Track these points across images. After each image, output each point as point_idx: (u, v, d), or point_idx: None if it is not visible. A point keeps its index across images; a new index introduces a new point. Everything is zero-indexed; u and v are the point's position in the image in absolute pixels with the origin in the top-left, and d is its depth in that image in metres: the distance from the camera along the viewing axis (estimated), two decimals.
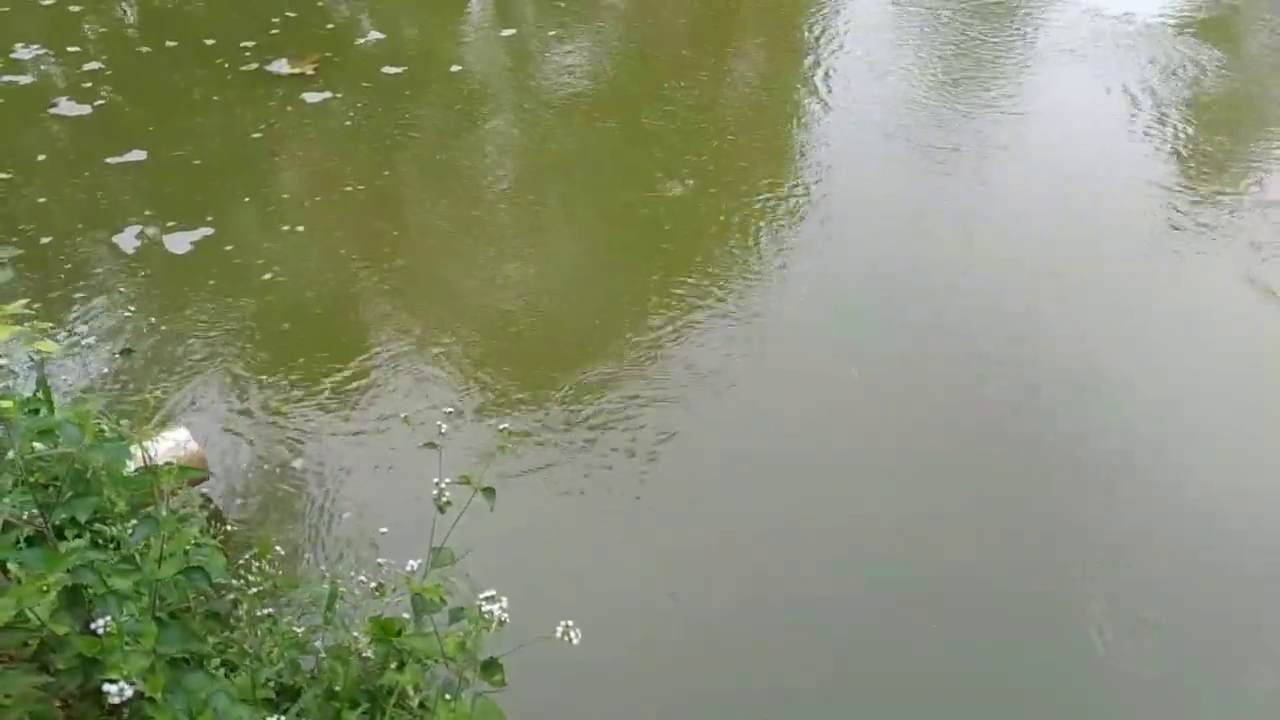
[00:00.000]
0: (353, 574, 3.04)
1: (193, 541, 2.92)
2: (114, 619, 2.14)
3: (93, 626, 2.14)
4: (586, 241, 6.66)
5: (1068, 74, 8.56)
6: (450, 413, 2.85)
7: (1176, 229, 6.52)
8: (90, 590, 2.17)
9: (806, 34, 9.22)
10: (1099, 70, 8.52)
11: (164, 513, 2.42)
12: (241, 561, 3.33)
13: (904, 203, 6.88)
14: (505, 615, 2.37)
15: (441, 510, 2.75)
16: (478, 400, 5.18)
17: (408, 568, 2.51)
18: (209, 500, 4.50)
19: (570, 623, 2.33)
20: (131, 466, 3.48)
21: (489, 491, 2.86)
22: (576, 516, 4.61)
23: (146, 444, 4.30)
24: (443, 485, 2.68)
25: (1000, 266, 6.21)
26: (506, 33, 9.22)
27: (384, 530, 2.99)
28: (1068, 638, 4.17)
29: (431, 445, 2.79)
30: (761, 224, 6.58)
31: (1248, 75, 8.59)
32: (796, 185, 6.97)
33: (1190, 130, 7.63)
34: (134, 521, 2.61)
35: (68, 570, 2.10)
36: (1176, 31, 9.05)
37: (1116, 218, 6.68)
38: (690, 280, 6.07)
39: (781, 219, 6.65)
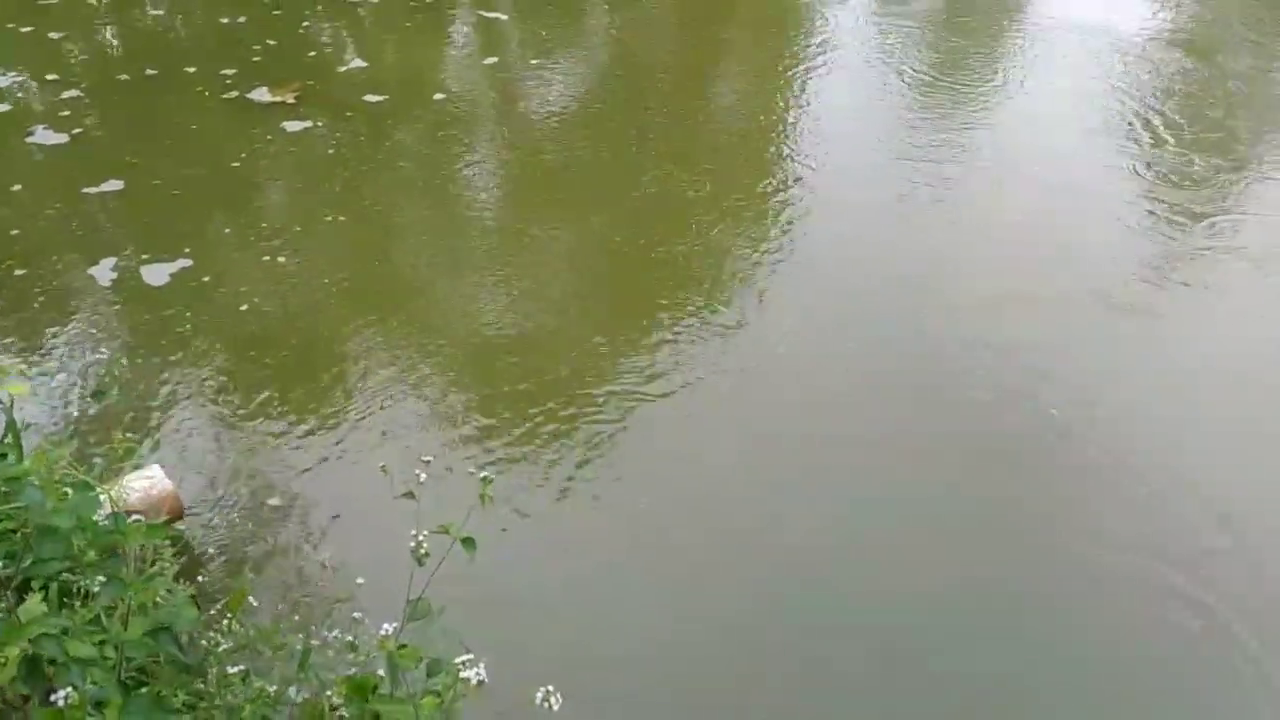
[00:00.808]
0: (328, 626, 2.96)
1: (162, 593, 2.85)
2: (76, 689, 2.07)
3: (54, 698, 2.06)
4: (573, 269, 6.59)
5: (1049, 84, 8.77)
6: (428, 461, 2.76)
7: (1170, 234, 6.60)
8: (51, 660, 2.10)
9: (791, 56, 9.24)
10: (1079, 80, 8.70)
11: (132, 571, 2.34)
12: (213, 611, 3.26)
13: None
14: (484, 678, 2.30)
15: (420, 563, 2.69)
16: (463, 438, 5.12)
17: (383, 629, 2.43)
18: (181, 538, 4.41)
19: (551, 688, 2.26)
20: (103, 511, 3.41)
21: (469, 542, 2.80)
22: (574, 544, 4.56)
23: (118, 483, 4.25)
24: (421, 537, 2.62)
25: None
26: (489, 61, 9.19)
27: (360, 581, 2.91)
28: None
29: (409, 495, 2.73)
30: (748, 247, 6.56)
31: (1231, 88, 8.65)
32: (786, 205, 6.95)
33: (1174, 142, 7.71)
34: (101, 578, 2.53)
35: (29, 639, 2.02)
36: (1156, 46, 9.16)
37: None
38: (682, 304, 6.04)
39: (770, 238, 6.65)
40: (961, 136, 7.87)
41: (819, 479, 5.00)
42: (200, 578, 3.78)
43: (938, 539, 4.68)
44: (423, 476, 2.71)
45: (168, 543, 3.49)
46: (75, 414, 5.13)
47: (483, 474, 2.78)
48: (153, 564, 3.44)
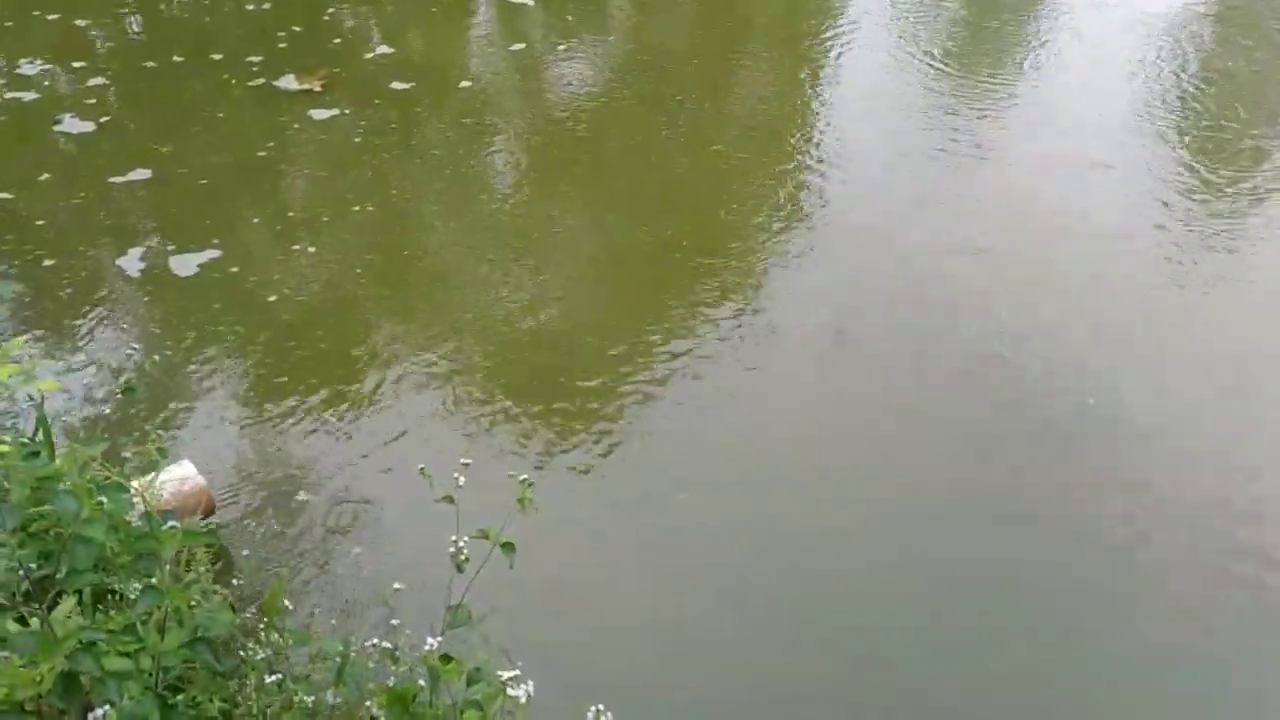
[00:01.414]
0: (365, 633, 2.89)
1: (197, 598, 2.79)
2: (113, 705, 2.00)
3: (91, 717, 1.99)
4: (602, 257, 6.50)
5: (1075, 61, 8.69)
6: (467, 464, 2.68)
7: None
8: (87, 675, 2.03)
9: (817, 39, 9.09)
10: (1105, 54, 8.66)
11: (165, 576, 2.27)
12: (249, 614, 3.20)
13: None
14: (531, 694, 2.22)
15: (460, 569, 2.62)
16: (499, 428, 5.05)
17: (427, 643, 2.35)
18: (214, 533, 4.36)
19: (601, 706, 2.18)
20: (136, 512, 3.35)
21: (508, 547, 2.72)
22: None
23: (150, 482, 4.20)
24: (461, 542, 2.54)
25: None
26: (515, 47, 9.08)
27: (398, 586, 2.83)
28: None
29: (449, 499, 2.64)
30: (771, 234, 6.46)
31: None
32: (806, 193, 6.83)
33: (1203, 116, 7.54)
34: (136, 585, 2.47)
35: (64, 655, 1.95)
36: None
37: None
38: (712, 295, 5.94)
39: (793, 226, 6.54)
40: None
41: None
42: (234, 579, 3.73)
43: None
44: (461, 480, 2.62)
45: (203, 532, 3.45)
46: (106, 410, 5.09)
47: (522, 477, 2.69)
48: (187, 566, 3.39)
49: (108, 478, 2.97)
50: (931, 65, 8.59)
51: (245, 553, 4.36)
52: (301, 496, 4.74)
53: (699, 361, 5.49)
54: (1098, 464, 4.93)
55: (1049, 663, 4.06)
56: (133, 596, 2.28)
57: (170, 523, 2.42)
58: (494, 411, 5.19)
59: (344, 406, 5.22)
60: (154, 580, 2.26)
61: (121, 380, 4.78)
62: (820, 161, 7.29)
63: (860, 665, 4.07)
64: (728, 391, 5.35)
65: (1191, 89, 8.16)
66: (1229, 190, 6.87)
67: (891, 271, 6.16)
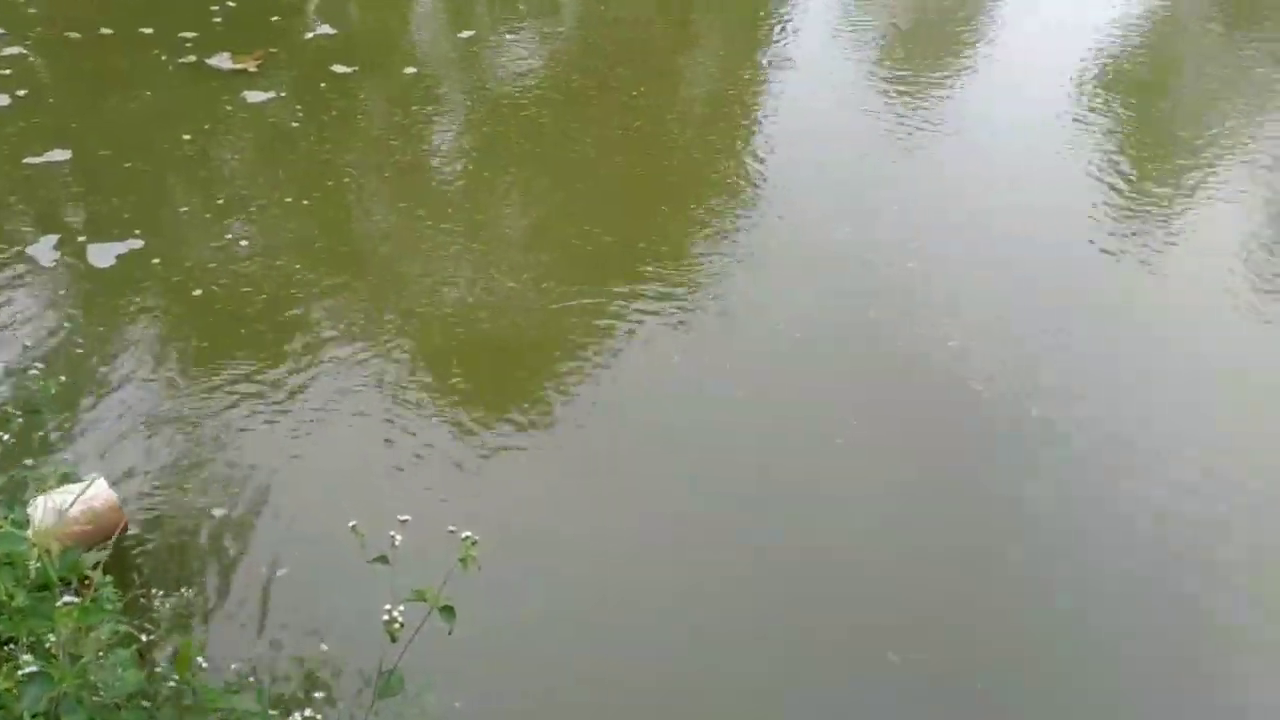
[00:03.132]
0: (290, 690, 2.63)
1: (102, 647, 2.51)
2: None
3: None
4: (549, 254, 6.21)
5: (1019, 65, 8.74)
6: (405, 520, 2.43)
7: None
8: None
9: (768, 26, 8.90)
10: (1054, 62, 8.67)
11: (64, 657, 1.99)
12: (159, 667, 2.91)
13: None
14: None
15: (393, 638, 2.37)
16: (439, 446, 4.76)
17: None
18: (123, 553, 4.05)
19: None
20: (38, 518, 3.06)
21: (448, 611, 2.48)
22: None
23: (52, 495, 3.87)
24: (395, 612, 2.29)
25: None
26: (465, 34, 8.75)
27: (324, 648, 2.57)
28: None
29: (382, 560, 2.39)
30: (721, 221, 6.28)
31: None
32: (760, 179, 6.64)
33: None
34: (30, 664, 2.18)
35: None
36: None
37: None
38: (662, 281, 5.72)
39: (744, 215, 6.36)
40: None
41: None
42: (143, 602, 3.42)
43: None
44: (398, 539, 2.37)
45: (110, 580, 3.16)
46: (6, 430, 4.57)
47: (465, 534, 2.45)
48: (91, 601, 3.08)
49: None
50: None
51: (157, 572, 4.04)
52: (220, 511, 4.42)
53: (645, 345, 5.29)
54: None
55: None
56: (19, 675, 2.00)
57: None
58: (432, 415, 4.91)
59: (273, 411, 4.89)
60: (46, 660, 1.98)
61: (25, 391, 4.35)
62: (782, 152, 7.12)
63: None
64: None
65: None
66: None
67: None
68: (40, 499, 3.87)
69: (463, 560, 2.45)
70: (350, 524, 2.32)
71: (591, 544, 4.37)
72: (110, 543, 3.87)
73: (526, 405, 5.03)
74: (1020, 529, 4.56)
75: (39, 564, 2.66)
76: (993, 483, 4.82)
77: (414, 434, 4.82)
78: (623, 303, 5.68)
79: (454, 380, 5.16)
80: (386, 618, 2.32)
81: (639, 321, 5.57)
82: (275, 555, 4.21)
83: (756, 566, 4.32)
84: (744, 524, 4.50)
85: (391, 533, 2.40)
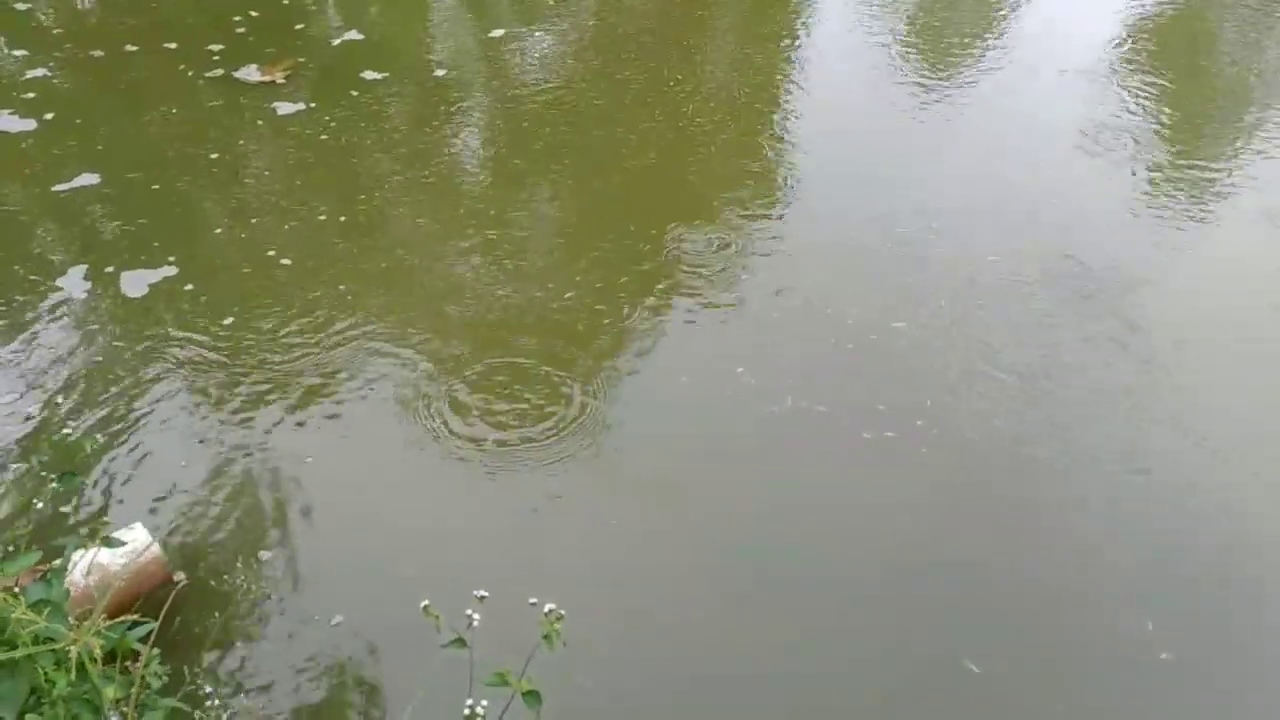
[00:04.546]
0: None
1: None
2: None
3: None
4: (593, 268, 5.92)
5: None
6: (483, 597, 2.16)
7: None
8: None
9: (792, 23, 8.56)
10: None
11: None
12: None
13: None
14: None
15: None
16: (493, 459, 4.51)
17: None
18: (173, 616, 3.82)
19: None
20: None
21: (531, 696, 2.21)
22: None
23: (92, 553, 3.65)
24: (478, 708, 2.03)
25: None
26: (495, 34, 8.47)
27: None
28: None
29: (460, 643, 2.13)
30: (753, 228, 5.95)
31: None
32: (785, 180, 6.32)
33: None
34: None
35: None
36: None
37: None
38: (698, 295, 5.42)
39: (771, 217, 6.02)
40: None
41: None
42: (190, 668, 3.19)
43: None
44: (476, 618, 2.11)
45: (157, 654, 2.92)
46: (39, 499, 4.32)
47: (548, 608, 2.18)
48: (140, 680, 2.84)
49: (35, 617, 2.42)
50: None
51: (204, 628, 3.82)
52: (265, 555, 4.19)
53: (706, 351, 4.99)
54: None
55: None
56: None
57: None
58: (483, 438, 4.65)
59: (321, 445, 4.65)
60: None
61: (59, 433, 4.12)
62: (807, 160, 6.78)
63: None
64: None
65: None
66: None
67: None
68: (80, 558, 3.67)
69: (546, 638, 2.18)
70: (423, 604, 2.06)
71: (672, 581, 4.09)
72: (159, 616, 3.66)
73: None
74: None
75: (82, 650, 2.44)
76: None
77: (466, 464, 4.56)
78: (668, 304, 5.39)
79: (519, 407, 4.89)
80: (468, 712, 2.05)
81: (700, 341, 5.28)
82: (330, 603, 3.97)
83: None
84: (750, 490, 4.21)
85: (469, 611, 2.13)
